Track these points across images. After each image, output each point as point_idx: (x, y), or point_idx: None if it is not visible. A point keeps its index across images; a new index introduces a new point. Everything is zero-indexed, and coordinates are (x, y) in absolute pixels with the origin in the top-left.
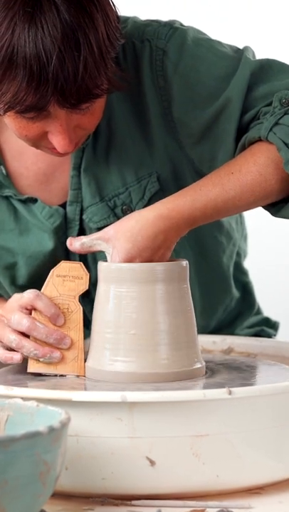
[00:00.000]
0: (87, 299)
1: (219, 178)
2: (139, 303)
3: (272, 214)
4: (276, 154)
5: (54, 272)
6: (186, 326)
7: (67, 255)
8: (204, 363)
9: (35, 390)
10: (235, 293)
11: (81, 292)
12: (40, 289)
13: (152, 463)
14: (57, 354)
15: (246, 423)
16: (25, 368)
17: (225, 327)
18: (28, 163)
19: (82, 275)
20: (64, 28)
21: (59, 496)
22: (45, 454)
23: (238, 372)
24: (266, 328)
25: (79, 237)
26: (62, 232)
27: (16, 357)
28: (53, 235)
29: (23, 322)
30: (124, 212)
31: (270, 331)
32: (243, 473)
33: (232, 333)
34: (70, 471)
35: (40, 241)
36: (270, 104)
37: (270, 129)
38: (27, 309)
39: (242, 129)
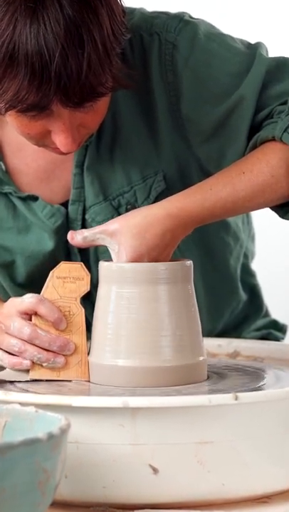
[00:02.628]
0: (88, 300)
1: (230, 178)
2: (141, 304)
3: (280, 216)
4: (288, 153)
5: (54, 273)
6: (191, 330)
7: (68, 255)
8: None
9: (33, 395)
10: (243, 295)
11: (82, 294)
12: (39, 287)
13: (155, 471)
14: (61, 359)
15: (253, 429)
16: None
17: (231, 330)
18: (28, 160)
19: (84, 276)
20: (67, 24)
21: (58, 505)
22: (44, 461)
23: (244, 376)
24: (274, 331)
25: (80, 231)
26: (63, 232)
27: (26, 362)
28: (54, 235)
29: (24, 330)
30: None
31: (278, 334)
32: (250, 481)
33: (238, 337)
34: (70, 479)
35: (39, 241)
36: (285, 103)
37: (285, 130)
38: (27, 314)
39: (254, 128)
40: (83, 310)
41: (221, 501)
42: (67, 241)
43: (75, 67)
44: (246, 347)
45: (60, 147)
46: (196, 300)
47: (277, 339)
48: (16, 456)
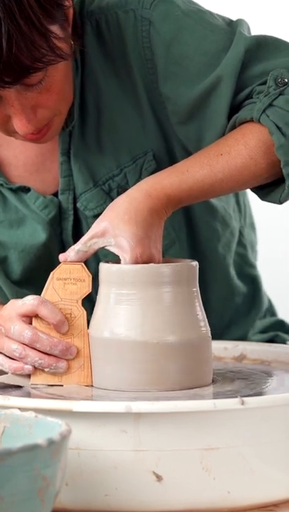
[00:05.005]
0: (88, 302)
1: (208, 159)
2: (143, 307)
3: (260, 197)
4: (268, 137)
5: (54, 274)
6: (199, 340)
7: (63, 248)
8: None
9: (33, 400)
10: (240, 287)
11: (84, 295)
12: (35, 285)
13: (159, 478)
14: (63, 364)
15: (260, 435)
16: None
17: (233, 323)
18: (17, 152)
19: (85, 277)
20: None
21: None
22: (44, 468)
23: (251, 380)
24: (281, 333)
25: (70, 248)
26: (56, 224)
27: (28, 367)
28: (48, 227)
29: (25, 333)
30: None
31: (285, 336)
32: (256, 489)
33: (245, 334)
34: (71, 486)
35: (32, 233)
36: (264, 83)
37: (263, 111)
38: (27, 317)
39: (234, 108)
40: (85, 312)
41: (226, 509)
42: (61, 233)
43: None
44: (253, 350)
45: (18, 130)
46: (202, 305)
47: (284, 341)
48: (14, 463)
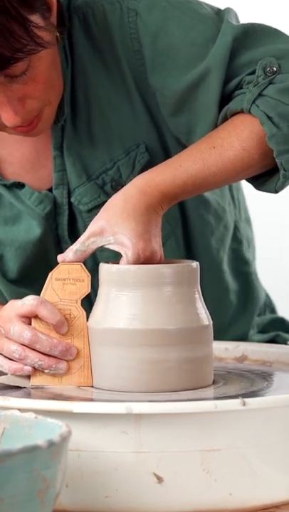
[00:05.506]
0: (87, 303)
1: (200, 153)
2: (143, 301)
3: (255, 187)
4: (259, 128)
5: (52, 275)
6: (200, 329)
7: (59, 244)
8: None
9: (33, 401)
10: (232, 284)
11: (83, 296)
12: (32, 283)
13: (160, 479)
14: (63, 365)
15: (261, 436)
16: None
17: (234, 324)
18: (12, 149)
19: (84, 277)
20: None
21: None
22: (44, 469)
23: (252, 381)
24: (282, 333)
25: (68, 248)
26: (52, 219)
27: (27, 368)
28: (43, 222)
29: (25, 334)
30: (115, 189)
31: (287, 336)
32: (258, 490)
33: (246, 333)
34: (71, 488)
35: (28, 230)
36: (253, 73)
37: (253, 101)
38: (27, 317)
39: (224, 99)
40: (84, 313)
41: (228, 511)
42: (56, 228)
43: None
44: (254, 350)
45: (5, 122)
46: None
47: (285, 342)
48: (14, 464)
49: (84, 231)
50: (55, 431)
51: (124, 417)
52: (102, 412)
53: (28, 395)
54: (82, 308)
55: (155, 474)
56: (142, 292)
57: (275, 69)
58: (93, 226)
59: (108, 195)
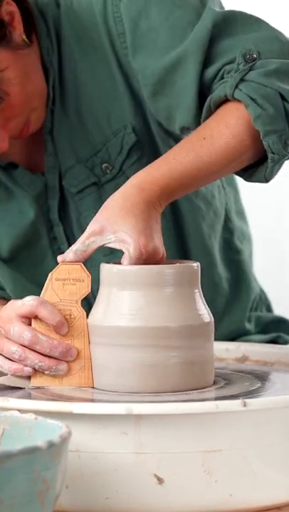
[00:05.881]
0: (86, 304)
1: (192, 145)
2: (144, 306)
3: (245, 179)
4: (246, 112)
5: (52, 275)
6: (201, 326)
7: (52, 229)
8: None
9: (33, 402)
10: (224, 272)
11: (83, 296)
12: (22, 263)
13: (160, 480)
14: (63, 366)
15: (262, 437)
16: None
17: (228, 313)
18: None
19: (84, 277)
20: None
21: None
22: (44, 471)
23: (253, 382)
24: (284, 334)
25: (68, 249)
26: (43, 201)
27: (27, 369)
28: (34, 203)
29: (25, 335)
30: (104, 171)
31: (288, 337)
32: (259, 491)
33: (242, 321)
34: (71, 489)
35: (20, 208)
36: (233, 61)
37: (236, 86)
38: (27, 318)
39: (205, 88)
40: (84, 313)
41: None
42: (48, 211)
43: None
44: (255, 351)
45: None
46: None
47: (286, 342)
48: (14, 465)
49: (75, 214)
50: (55, 432)
51: (124, 418)
52: (102, 412)
53: (28, 396)
54: (82, 309)
55: (155, 475)
56: (142, 292)
57: (255, 56)
58: (93, 225)
59: (97, 177)
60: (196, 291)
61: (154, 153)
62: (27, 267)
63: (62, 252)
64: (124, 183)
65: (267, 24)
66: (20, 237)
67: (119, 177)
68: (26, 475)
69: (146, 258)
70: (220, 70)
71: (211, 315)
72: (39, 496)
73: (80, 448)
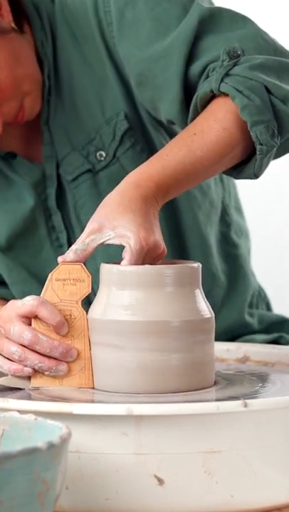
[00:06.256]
0: (86, 305)
1: (183, 141)
2: (145, 302)
3: (235, 177)
4: (233, 106)
5: (53, 275)
6: (202, 322)
7: (50, 217)
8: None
9: (32, 402)
10: (221, 265)
11: (84, 296)
12: (19, 252)
13: (161, 481)
14: (63, 367)
15: (263, 438)
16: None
17: (226, 304)
18: (5, 124)
19: (84, 277)
20: None
21: None
22: (44, 472)
23: (254, 383)
24: (286, 334)
25: (68, 249)
26: (41, 190)
27: (27, 369)
28: (33, 191)
29: (25, 335)
30: (98, 158)
31: None
32: (260, 492)
33: (241, 313)
34: (71, 490)
35: (19, 196)
36: (217, 59)
37: (221, 80)
38: (27, 318)
39: (190, 86)
40: (85, 313)
41: None
42: (45, 200)
43: None
44: (256, 351)
45: None
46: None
47: (288, 343)
48: (14, 466)
49: (72, 203)
50: (55, 433)
51: (124, 419)
52: (103, 413)
53: (28, 397)
54: (82, 309)
55: (156, 476)
56: (143, 291)
57: (239, 52)
58: (91, 224)
59: (91, 164)
60: (197, 290)
61: (148, 141)
62: (24, 257)
63: (60, 242)
64: (118, 170)
65: (253, 22)
66: (19, 225)
67: (114, 164)
68: (26, 476)
69: (147, 252)
70: (205, 68)
71: (212, 312)
72: (39, 497)
73: (80, 449)
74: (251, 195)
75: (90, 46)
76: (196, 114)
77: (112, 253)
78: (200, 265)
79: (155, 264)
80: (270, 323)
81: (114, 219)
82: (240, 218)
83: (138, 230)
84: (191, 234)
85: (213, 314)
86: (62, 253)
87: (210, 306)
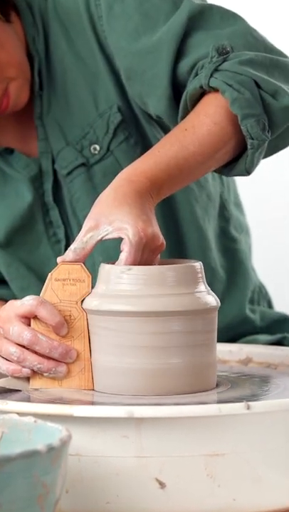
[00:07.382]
0: None
1: (175, 136)
2: (144, 294)
3: (226, 175)
4: (223, 100)
5: (52, 275)
6: (204, 312)
7: (47, 212)
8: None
9: (32, 405)
10: (220, 259)
11: (84, 296)
12: (17, 248)
13: (162, 485)
14: (62, 368)
15: (266, 441)
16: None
17: (227, 298)
18: (2, 121)
19: (84, 277)
20: None
21: None
22: (43, 475)
23: (257, 384)
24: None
25: (68, 249)
26: (38, 184)
27: (26, 370)
28: (30, 186)
29: (24, 335)
30: (92, 152)
31: None
32: (263, 496)
33: (242, 308)
34: (71, 493)
35: (17, 191)
36: (206, 56)
37: (211, 76)
38: (26, 318)
39: (178, 82)
40: (85, 314)
41: None
42: (43, 195)
43: None
44: (259, 353)
45: None
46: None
47: None
48: (13, 469)
49: (68, 198)
50: (55, 435)
51: (125, 421)
52: (103, 415)
53: (28, 399)
54: (82, 310)
55: (157, 479)
56: (143, 286)
57: (228, 49)
58: (88, 222)
59: (85, 158)
60: (202, 285)
61: (141, 135)
62: (22, 252)
63: (57, 237)
64: (112, 163)
65: (243, 20)
66: (17, 220)
67: (108, 157)
68: (26, 479)
69: (146, 243)
70: (194, 65)
71: (218, 299)
72: (38, 501)
73: (81, 452)
74: (251, 195)
75: (83, 41)
76: (186, 111)
77: (110, 245)
78: (201, 264)
79: (154, 257)
80: (272, 321)
81: (111, 214)
82: (240, 214)
83: (135, 221)
84: (189, 227)
85: (219, 303)
86: (60, 248)
87: (215, 295)
